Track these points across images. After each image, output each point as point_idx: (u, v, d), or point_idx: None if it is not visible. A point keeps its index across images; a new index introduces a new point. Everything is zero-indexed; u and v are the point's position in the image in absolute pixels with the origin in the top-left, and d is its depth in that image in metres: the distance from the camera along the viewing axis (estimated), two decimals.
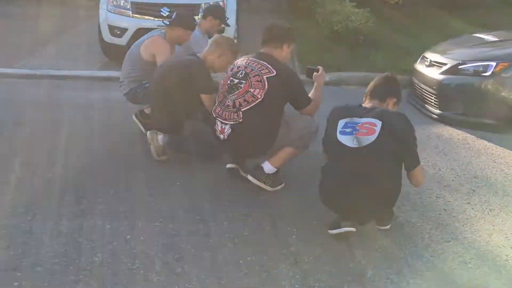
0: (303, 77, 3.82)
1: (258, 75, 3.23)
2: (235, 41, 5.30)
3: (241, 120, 3.22)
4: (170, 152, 3.79)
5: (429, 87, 5.29)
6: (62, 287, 2.33)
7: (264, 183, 3.33)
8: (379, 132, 2.75)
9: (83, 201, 3.16)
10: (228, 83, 3.32)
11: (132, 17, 6.73)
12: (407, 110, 4.29)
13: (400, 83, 3.20)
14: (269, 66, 3.26)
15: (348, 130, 2.83)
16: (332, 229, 2.83)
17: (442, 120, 5.09)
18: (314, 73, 3.55)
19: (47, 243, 2.68)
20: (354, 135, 2.79)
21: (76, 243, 2.69)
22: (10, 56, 6.95)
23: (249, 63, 3.31)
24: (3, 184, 3.35)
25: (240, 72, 3.30)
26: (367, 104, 3.02)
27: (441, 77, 5.17)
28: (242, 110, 3.21)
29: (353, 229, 2.80)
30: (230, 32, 6.36)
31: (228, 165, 3.58)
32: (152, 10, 6.38)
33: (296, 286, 2.45)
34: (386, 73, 3.23)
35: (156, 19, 6.05)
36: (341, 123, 2.88)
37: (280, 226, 2.99)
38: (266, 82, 3.19)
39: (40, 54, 7.35)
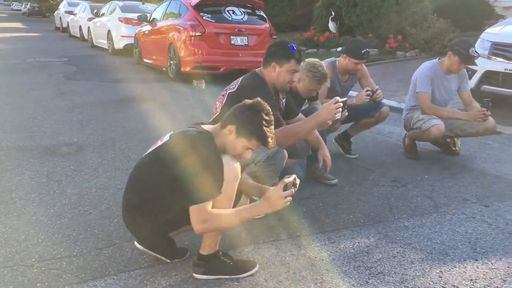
0: None
1: (226, 90, 3.10)
2: None
3: None
4: None
5: None
6: None
7: None
8: (160, 145, 2.36)
9: None
10: None
11: (487, 58, 6.16)
12: None
13: (253, 113, 2.26)
14: (238, 81, 3.08)
15: None
16: None
17: None
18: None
19: None
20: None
21: None
22: None
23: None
24: None
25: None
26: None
27: None
28: (210, 121, 3.24)
29: (139, 247, 2.54)
30: None
31: None
32: (508, 52, 5.92)
33: None
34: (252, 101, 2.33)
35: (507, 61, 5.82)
36: None
37: None
38: (226, 97, 3.03)
39: None
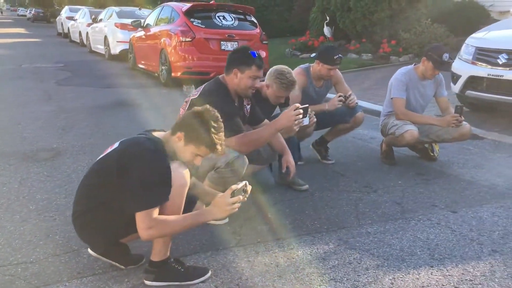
0: None
1: (189, 96, 3.14)
2: None
3: None
4: None
5: None
6: None
7: None
8: (109, 152, 2.36)
9: None
10: None
11: (471, 63, 6.04)
12: None
13: (203, 117, 2.29)
14: (201, 88, 3.12)
15: None
16: None
17: None
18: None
19: None
20: None
21: None
22: None
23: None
24: None
25: None
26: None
27: None
28: None
29: (93, 254, 2.54)
30: None
31: None
32: (491, 57, 5.80)
33: None
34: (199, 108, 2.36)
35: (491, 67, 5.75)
36: None
37: None
38: (188, 103, 3.06)
39: None
